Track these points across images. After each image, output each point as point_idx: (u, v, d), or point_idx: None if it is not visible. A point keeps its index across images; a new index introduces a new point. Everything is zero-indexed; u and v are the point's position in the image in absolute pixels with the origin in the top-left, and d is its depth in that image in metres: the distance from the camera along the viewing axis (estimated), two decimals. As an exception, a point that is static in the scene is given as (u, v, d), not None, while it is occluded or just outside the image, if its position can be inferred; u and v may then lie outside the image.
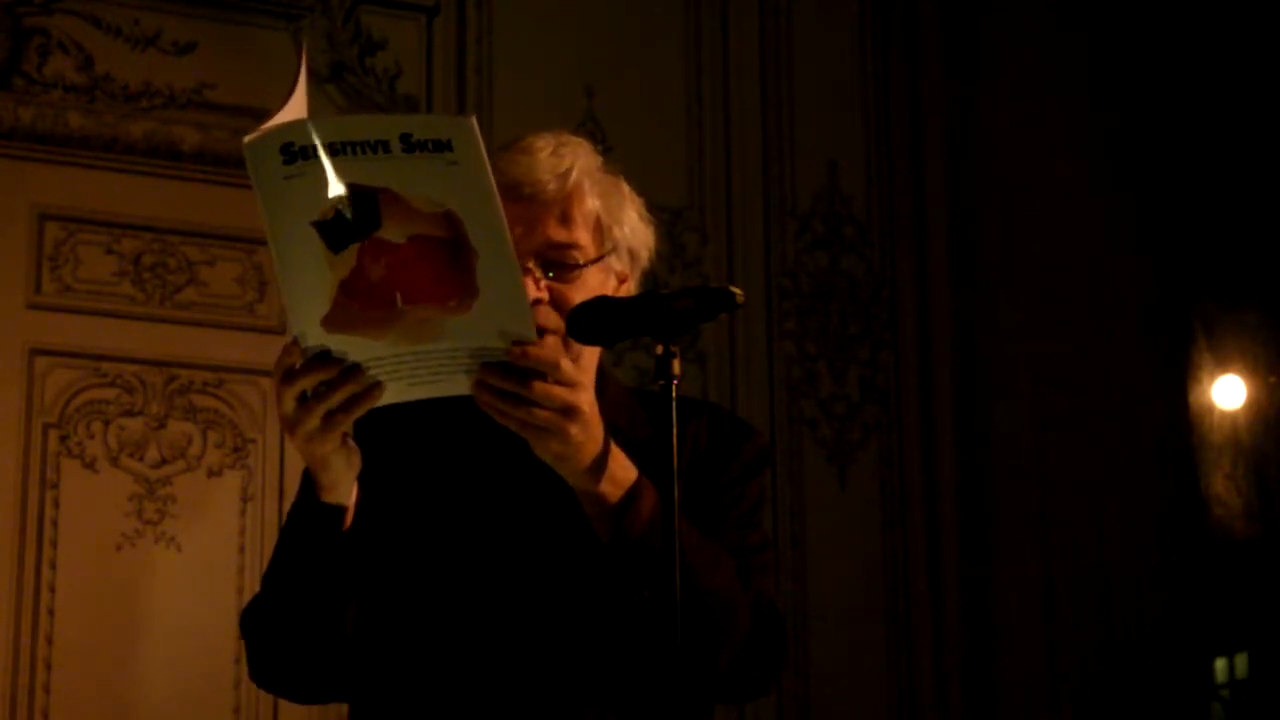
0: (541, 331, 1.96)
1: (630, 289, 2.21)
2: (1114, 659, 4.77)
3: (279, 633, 2.11)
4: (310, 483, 2.05)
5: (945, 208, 5.12)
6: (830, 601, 4.83)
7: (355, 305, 1.89)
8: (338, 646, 2.09)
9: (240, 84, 4.48)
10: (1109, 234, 4.98)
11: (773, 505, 4.76)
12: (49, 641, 4.17)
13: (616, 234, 2.19)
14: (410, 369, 1.93)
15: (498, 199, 1.85)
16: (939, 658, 4.91)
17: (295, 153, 1.83)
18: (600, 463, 2.00)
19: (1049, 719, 4.80)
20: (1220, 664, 5.79)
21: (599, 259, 2.16)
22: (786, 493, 4.85)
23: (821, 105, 5.10)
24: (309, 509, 2.05)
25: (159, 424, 4.37)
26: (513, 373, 1.92)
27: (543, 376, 1.92)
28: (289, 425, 1.95)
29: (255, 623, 2.14)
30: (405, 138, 1.83)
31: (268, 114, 1.90)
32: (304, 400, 1.93)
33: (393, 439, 2.17)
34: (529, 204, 2.12)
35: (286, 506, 2.14)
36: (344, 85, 4.61)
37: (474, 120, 1.82)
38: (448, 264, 1.87)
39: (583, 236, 2.15)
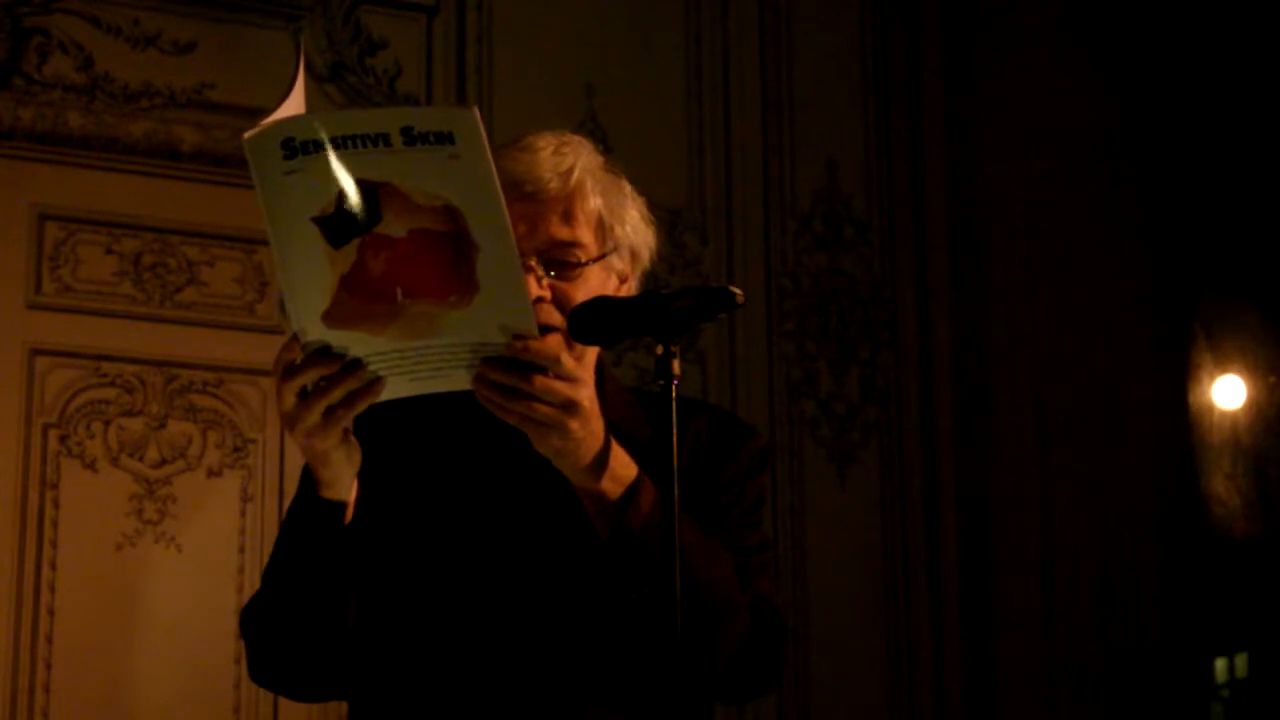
0: (543, 329, 1.96)
1: (631, 289, 2.21)
2: (1114, 659, 4.77)
3: (279, 629, 2.11)
4: (310, 479, 2.05)
5: (945, 207, 5.12)
6: (830, 602, 4.83)
7: (356, 300, 1.89)
8: (338, 643, 2.09)
9: (240, 84, 4.48)
10: (1109, 234, 4.98)
11: (773, 505, 4.76)
12: (49, 641, 4.17)
13: (618, 233, 2.19)
14: (411, 364, 1.93)
15: (499, 191, 1.85)
16: (939, 658, 4.91)
17: (296, 148, 1.83)
18: (600, 459, 2.00)
19: (1049, 719, 4.80)
20: (1220, 664, 5.78)
21: (601, 258, 2.16)
22: (786, 493, 4.86)
23: (821, 105, 5.10)
24: (309, 505, 2.05)
25: (159, 424, 4.37)
26: (513, 367, 1.92)
27: (543, 371, 1.92)
28: (289, 421, 1.95)
29: (255, 620, 2.14)
30: (406, 130, 1.82)
31: (267, 113, 1.90)
32: (304, 396, 1.93)
33: (393, 435, 2.17)
34: (531, 202, 2.12)
35: (286, 506, 2.14)
36: (344, 85, 4.61)
37: (476, 111, 1.82)
38: (448, 259, 1.87)
39: (585, 235, 2.15)
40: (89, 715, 4.17)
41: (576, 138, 2.21)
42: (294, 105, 1.97)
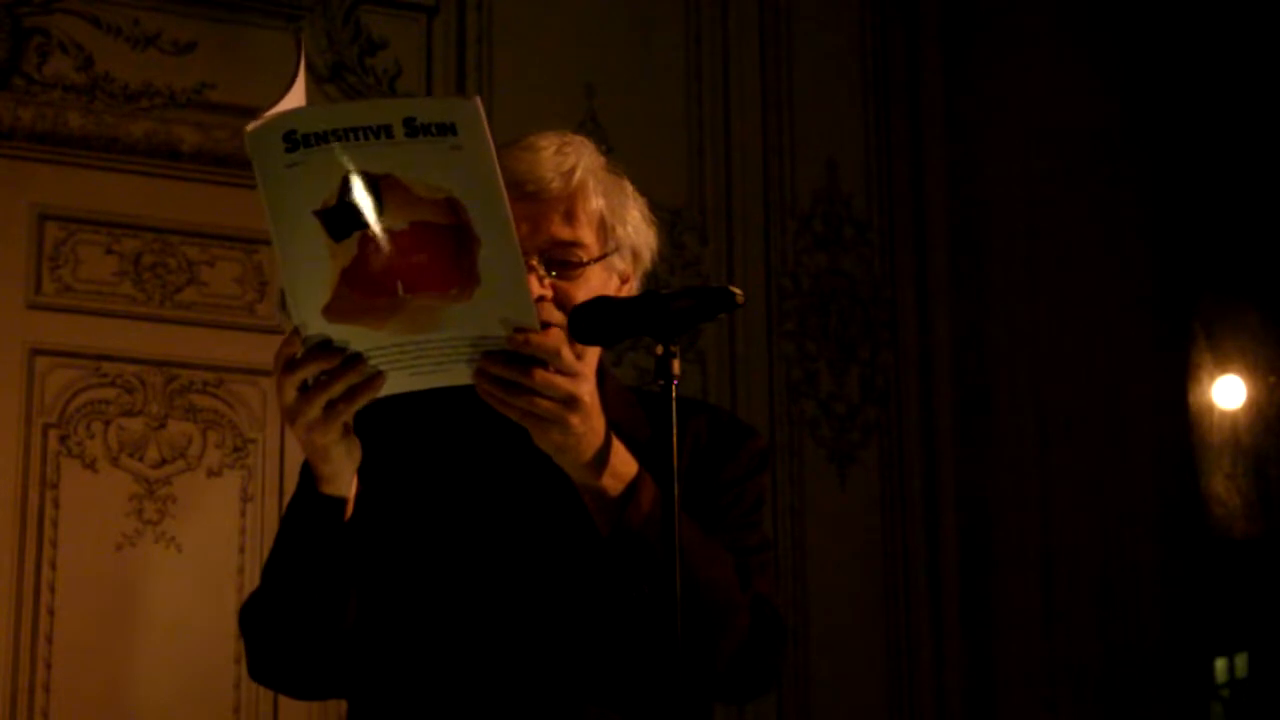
0: (544, 327, 1.96)
1: (632, 289, 2.22)
2: (1114, 659, 4.77)
3: (278, 626, 2.11)
4: (310, 474, 2.05)
5: (945, 207, 5.12)
6: (830, 602, 4.83)
7: (357, 294, 1.89)
8: (337, 640, 2.09)
9: (240, 84, 4.48)
10: (1109, 234, 4.98)
11: (773, 505, 4.76)
12: (49, 641, 4.17)
13: (620, 233, 2.19)
14: (412, 359, 1.93)
15: (501, 182, 1.85)
16: (939, 658, 4.91)
17: (297, 140, 1.83)
18: (601, 455, 2.00)
19: (1049, 719, 4.80)
20: (1220, 664, 5.79)
21: (602, 258, 2.16)
22: (786, 493, 4.86)
23: (821, 105, 5.10)
24: (309, 500, 2.05)
25: (159, 424, 4.37)
26: (514, 361, 1.92)
27: (544, 365, 1.92)
28: (290, 415, 1.95)
29: (254, 617, 2.14)
30: (409, 121, 1.82)
31: (268, 110, 1.90)
32: (305, 390, 1.93)
33: (393, 431, 2.17)
34: (533, 202, 2.12)
35: (286, 505, 2.14)
36: (344, 85, 4.62)
37: (478, 100, 1.82)
38: (449, 252, 1.87)
39: (586, 235, 2.15)
40: (89, 715, 4.17)
41: (578, 138, 2.21)
42: (295, 100, 1.97)
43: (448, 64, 4.74)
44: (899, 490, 4.98)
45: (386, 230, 1.87)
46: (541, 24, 4.83)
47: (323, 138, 1.83)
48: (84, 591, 4.21)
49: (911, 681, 4.89)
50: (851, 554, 4.89)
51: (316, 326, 1.90)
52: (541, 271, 2.11)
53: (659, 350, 1.95)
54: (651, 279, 2.25)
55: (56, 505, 4.24)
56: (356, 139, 1.83)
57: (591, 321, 1.98)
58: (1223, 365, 5.45)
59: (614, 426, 2.04)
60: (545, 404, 1.94)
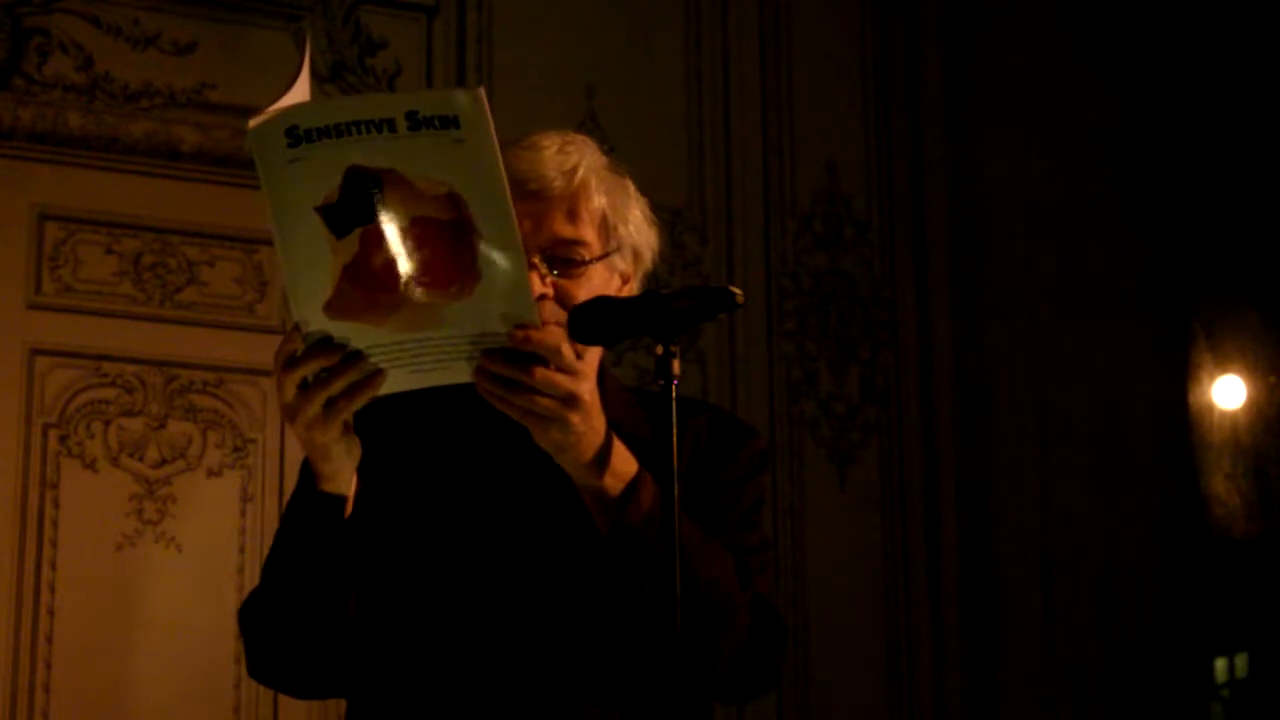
0: (545, 327, 1.96)
1: (633, 289, 2.22)
2: (1114, 659, 4.77)
3: (278, 624, 2.10)
4: (310, 473, 2.05)
5: (945, 207, 5.12)
6: (830, 601, 4.83)
7: (358, 291, 1.89)
8: (337, 638, 2.09)
9: (240, 84, 4.48)
10: (1109, 234, 4.98)
11: (773, 505, 4.76)
12: (49, 641, 4.17)
13: (621, 233, 2.19)
14: (412, 356, 1.93)
15: (503, 176, 1.85)
16: (939, 658, 4.91)
17: (300, 136, 1.83)
18: (601, 454, 2.00)
19: (1049, 719, 4.80)
20: (1220, 664, 5.79)
21: (604, 257, 2.16)
22: (786, 493, 4.85)
23: (821, 105, 5.10)
24: (309, 499, 2.05)
25: (159, 424, 4.37)
26: (515, 359, 1.92)
27: (544, 363, 1.92)
28: (290, 413, 1.95)
29: (254, 615, 2.14)
30: (411, 115, 1.82)
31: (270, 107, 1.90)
32: (305, 387, 1.93)
33: (393, 429, 2.17)
34: (535, 200, 2.12)
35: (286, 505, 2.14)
36: (344, 85, 4.62)
37: (481, 92, 1.82)
38: (450, 248, 1.87)
39: (588, 233, 2.15)
40: (89, 715, 4.17)
41: (581, 137, 2.21)
42: (298, 96, 1.97)
43: (448, 64, 4.74)
44: (899, 490, 4.98)
45: (388, 226, 1.87)
46: (541, 24, 4.83)
47: (325, 133, 1.83)
48: (84, 591, 4.21)
49: (911, 681, 4.89)
50: (851, 554, 4.89)
51: (317, 323, 1.90)
52: (544, 270, 2.11)
53: (659, 350, 1.95)
54: (652, 279, 2.25)
55: (56, 505, 4.24)
56: (359, 133, 1.83)
57: (591, 321, 1.98)
58: (1223, 365, 5.45)
59: (614, 426, 2.04)
60: (545, 402, 1.94)
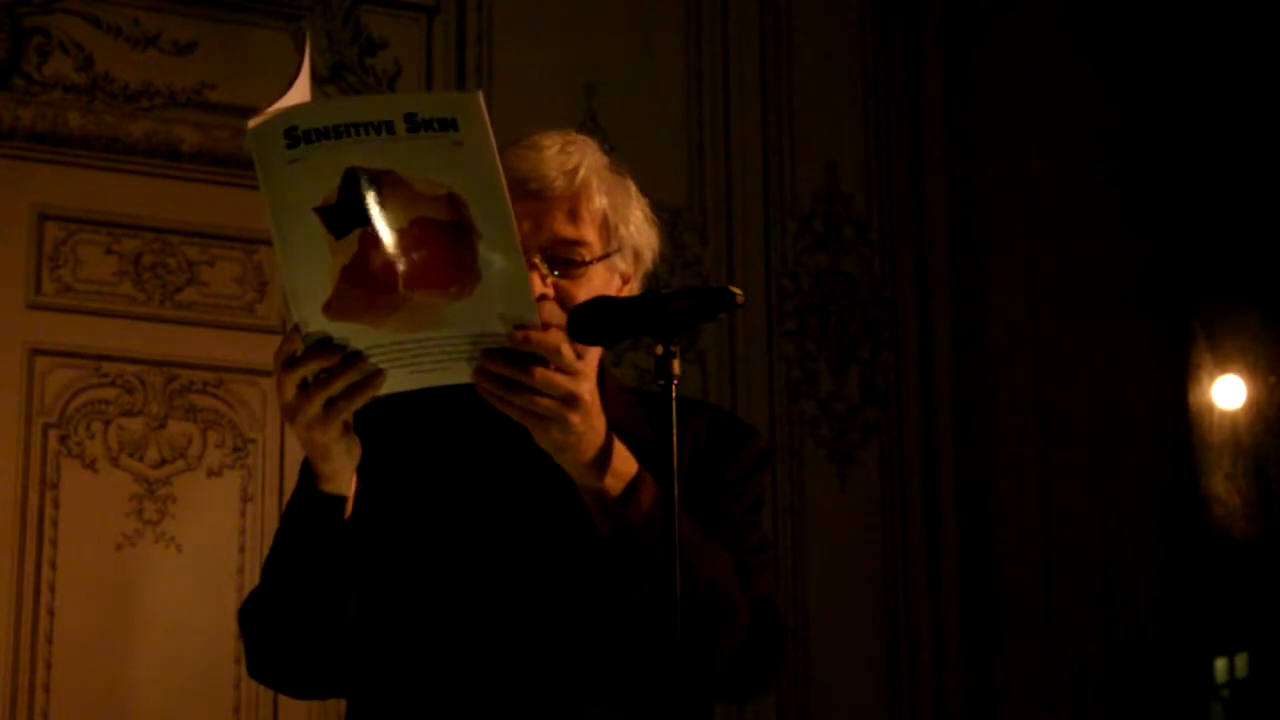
0: (545, 327, 1.96)
1: (633, 289, 2.22)
2: (1114, 659, 4.77)
3: (278, 624, 2.10)
4: (310, 473, 2.05)
5: (945, 207, 5.12)
6: (830, 601, 4.82)
7: (357, 291, 1.89)
8: (337, 638, 2.09)
9: (240, 84, 4.48)
10: (1109, 233, 4.98)
11: (773, 505, 4.76)
12: (49, 641, 4.17)
13: (622, 233, 2.19)
14: (412, 356, 1.93)
15: (502, 178, 1.85)
16: (939, 658, 4.91)
17: (298, 137, 1.83)
18: (601, 454, 2.00)
19: (1049, 719, 4.80)
20: (1220, 664, 5.78)
21: (605, 257, 2.16)
22: (786, 493, 4.85)
23: (821, 105, 5.10)
24: (308, 499, 2.05)
25: (159, 424, 4.37)
26: (514, 359, 1.92)
27: (544, 363, 1.92)
28: (290, 413, 1.95)
29: (254, 615, 2.14)
30: (410, 117, 1.82)
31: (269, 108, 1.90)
32: (305, 388, 1.93)
33: (393, 429, 2.17)
34: (536, 200, 2.12)
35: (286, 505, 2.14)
36: (344, 85, 4.62)
37: (480, 95, 1.82)
38: (450, 248, 1.87)
39: (589, 234, 2.15)
40: (89, 715, 4.17)
41: (582, 136, 2.21)
42: (297, 96, 1.97)
43: (448, 64, 4.74)
44: (899, 490, 4.98)
45: (387, 227, 1.87)
46: (541, 24, 4.83)
47: (324, 134, 1.83)
48: (84, 591, 4.21)
49: (911, 681, 4.89)
50: (851, 554, 4.89)
51: (317, 324, 1.90)
52: (544, 270, 2.11)
53: (659, 350, 1.95)
54: (652, 279, 2.25)
55: (56, 505, 4.24)
56: (358, 135, 1.83)
57: (591, 321, 1.98)
58: (1223, 365, 5.45)
59: (614, 426, 2.03)
60: (545, 402, 1.94)
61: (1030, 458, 4.90)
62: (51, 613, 4.19)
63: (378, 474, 2.12)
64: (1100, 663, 4.77)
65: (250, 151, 1.84)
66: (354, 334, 1.91)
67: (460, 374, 1.95)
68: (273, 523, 4.23)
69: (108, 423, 4.33)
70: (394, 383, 1.95)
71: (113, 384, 4.35)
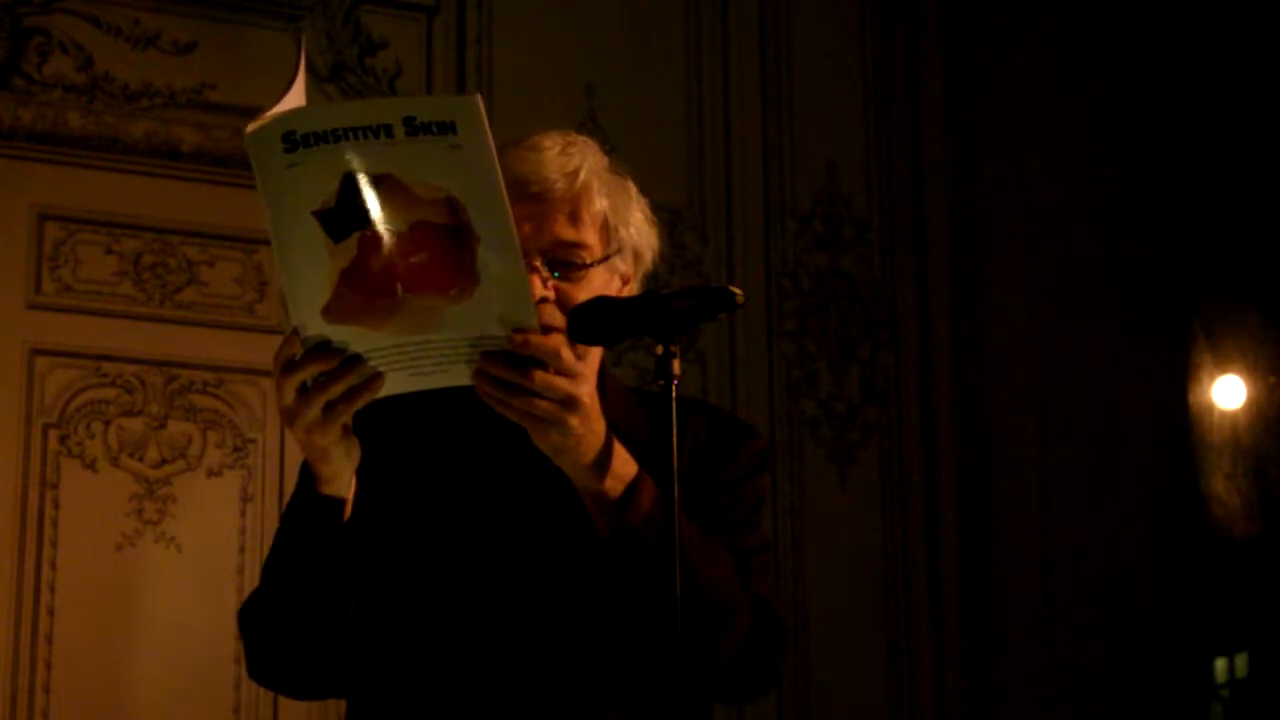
0: (546, 330, 1.96)
1: (633, 290, 2.21)
2: (1114, 659, 4.77)
3: (278, 626, 2.11)
4: (309, 475, 2.05)
5: (945, 207, 5.12)
6: (830, 601, 4.82)
7: (356, 295, 1.89)
8: (337, 640, 2.09)
9: (240, 84, 4.48)
10: (1109, 233, 4.98)
11: (773, 505, 4.76)
12: (49, 641, 4.17)
13: (623, 234, 2.19)
14: (411, 359, 1.93)
15: (501, 181, 1.85)
16: (939, 658, 4.91)
17: (297, 141, 1.83)
18: (601, 456, 2.00)
19: (1049, 719, 4.80)
20: (1220, 664, 5.78)
21: (605, 259, 2.16)
22: (786, 493, 4.85)
23: (821, 105, 5.10)
24: (308, 501, 2.05)
25: (159, 424, 4.37)
26: (514, 362, 1.92)
27: (544, 366, 1.92)
28: (289, 416, 1.95)
29: (254, 617, 2.14)
30: (408, 121, 1.82)
31: (267, 111, 1.90)
32: (304, 391, 1.93)
33: (392, 431, 2.17)
34: (536, 202, 2.12)
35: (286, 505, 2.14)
36: (344, 85, 4.62)
37: (478, 99, 1.82)
38: (449, 252, 1.87)
39: (590, 236, 2.15)
40: (89, 715, 4.17)
41: (582, 138, 2.21)
42: (294, 100, 1.97)
43: (448, 64, 4.74)
44: (899, 490, 4.98)
45: (386, 231, 1.87)
46: (541, 24, 4.83)
47: (322, 138, 1.83)
48: (84, 591, 4.21)
49: (911, 681, 4.89)
50: (851, 554, 4.89)
51: (316, 327, 1.90)
52: (545, 273, 2.11)
53: (659, 350, 1.95)
54: (651, 279, 2.25)
55: (56, 505, 4.24)
56: (356, 138, 1.83)
57: (591, 322, 1.98)
58: (1223, 365, 5.45)
59: (613, 427, 2.03)
60: (544, 405, 1.94)
61: (1030, 458, 4.90)
62: (51, 613, 4.19)
63: (377, 476, 2.12)
64: (1100, 663, 4.77)
65: (248, 156, 1.84)
66: (353, 337, 1.91)
67: (460, 376, 1.95)
68: (273, 523, 4.23)
69: (108, 423, 4.33)
70: (393, 385, 1.95)
71: (113, 384, 4.35)
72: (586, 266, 2.13)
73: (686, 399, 2.00)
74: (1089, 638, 4.79)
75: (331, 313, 1.89)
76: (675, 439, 1.92)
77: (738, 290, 1.97)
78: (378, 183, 1.85)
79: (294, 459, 4.15)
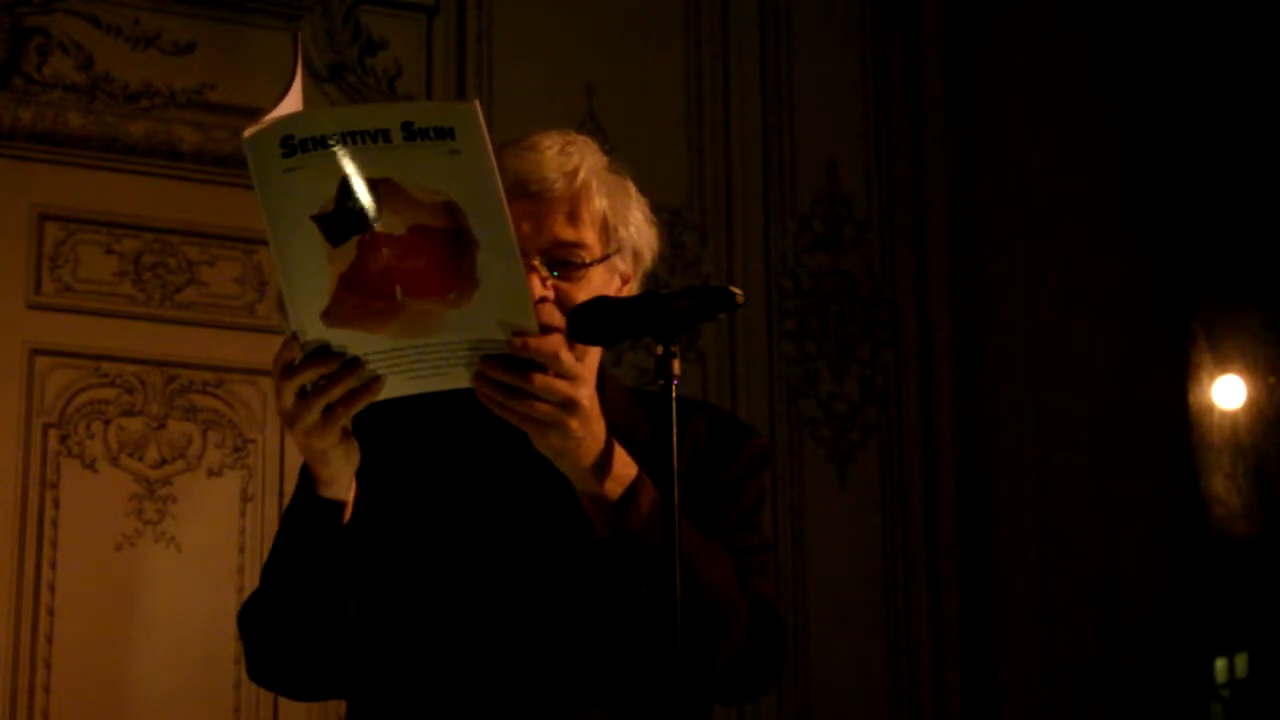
0: (545, 330, 1.96)
1: (633, 289, 2.21)
2: (1114, 659, 4.77)
3: (277, 628, 2.11)
4: (308, 477, 2.05)
5: (945, 207, 5.12)
6: (830, 601, 4.82)
7: (355, 299, 1.89)
8: (336, 642, 2.09)
9: (240, 84, 4.48)
10: (1109, 233, 4.98)
11: (773, 505, 4.76)
12: (49, 641, 4.17)
13: (622, 234, 2.19)
14: (410, 362, 1.93)
15: (500, 186, 1.85)
16: (939, 658, 4.91)
17: (295, 145, 1.83)
18: (600, 459, 2.00)
19: (1049, 719, 4.80)
20: (1220, 664, 5.78)
21: (604, 259, 2.16)
22: (786, 492, 4.85)
23: (821, 105, 5.10)
24: (307, 504, 2.05)
25: (159, 424, 4.37)
26: (513, 365, 1.92)
27: (543, 369, 1.92)
28: (288, 420, 1.95)
29: (254, 619, 2.14)
30: (407, 126, 1.82)
31: (266, 113, 1.90)
32: (304, 394, 1.93)
33: (392, 434, 2.17)
34: (536, 202, 2.12)
35: (286, 506, 2.14)
36: (344, 85, 4.61)
37: (476, 105, 1.82)
38: (448, 255, 1.87)
39: (589, 236, 2.15)
40: (89, 715, 4.17)
41: (582, 137, 2.21)
42: (291, 103, 1.97)
43: (448, 64, 4.74)
44: (899, 490, 4.98)
45: (385, 234, 1.87)
46: (541, 24, 4.83)
47: (320, 142, 1.83)
48: (84, 591, 4.21)
49: (911, 681, 4.89)
50: (851, 554, 4.89)
51: (315, 331, 1.90)
52: (544, 273, 2.11)
53: (659, 350, 1.95)
54: (651, 279, 2.25)
55: (56, 505, 4.24)
56: (355, 143, 1.83)
57: (591, 322, 1.98)
58: (1223, 365, 5.45)
59: (613, 428, 2.03)
60: (544, 408, 1.94)
61: (1030, 458, 4.90)
62: (51, 613, 4.19)
63: (377, 479, 2.12)
64: (1100, 663, 4.77)
65: (246, 160, 1.84)
66: (352, 340, 1.91)
67: (459, 379, 1.95)
68: (273, 523, 4.23)
69: (108, 423, 4.33)
70: (392, 388, 1.95)
71: (113, 384, 4.35)
72: (586, 266, 2.13)
73: (686, 399, 2.00)
74: (1089, 638, 4.79)
75: (331, 316, 1.89)
76: (675, 439, 1.91)
77: (738, 290, 1.97)
78: (376, 186, 1.85)
79: (294, 459, 4.15)
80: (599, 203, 2.16)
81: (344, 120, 1.83)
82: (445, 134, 1.82)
